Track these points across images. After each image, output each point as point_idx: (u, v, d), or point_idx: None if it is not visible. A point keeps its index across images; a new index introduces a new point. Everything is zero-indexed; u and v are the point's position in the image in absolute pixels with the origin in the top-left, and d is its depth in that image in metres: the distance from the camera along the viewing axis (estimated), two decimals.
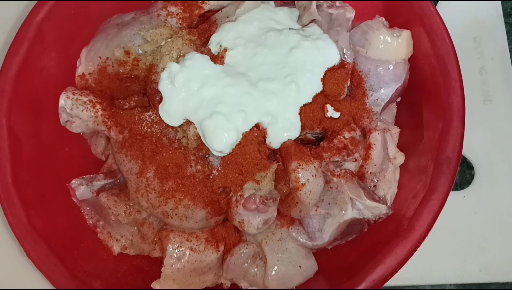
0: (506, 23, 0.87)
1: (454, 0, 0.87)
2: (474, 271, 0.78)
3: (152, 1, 0.79)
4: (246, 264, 0.71)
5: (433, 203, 0.66)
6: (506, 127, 0.83)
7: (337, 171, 0.70)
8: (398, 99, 0.78)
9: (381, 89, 0.73)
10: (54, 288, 0.67)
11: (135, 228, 0.74)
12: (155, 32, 0.73)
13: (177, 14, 0.75)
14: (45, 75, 0.74)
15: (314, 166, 0.67)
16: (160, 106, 0.69)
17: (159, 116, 0.70)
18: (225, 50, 0.71)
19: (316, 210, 0.70)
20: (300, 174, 0.66)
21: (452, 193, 0.67)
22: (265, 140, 0.69)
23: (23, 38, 0.72)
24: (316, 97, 0.69)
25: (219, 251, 0.70)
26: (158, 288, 0.69)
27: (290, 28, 0.73)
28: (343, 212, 0.69)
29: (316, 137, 0.72)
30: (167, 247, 0.69)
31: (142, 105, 0.75)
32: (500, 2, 0.88)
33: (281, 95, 0.68)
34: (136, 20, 0.75)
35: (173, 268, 0.69)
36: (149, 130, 0.70)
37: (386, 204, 0.71)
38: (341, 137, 0.69)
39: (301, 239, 0.70)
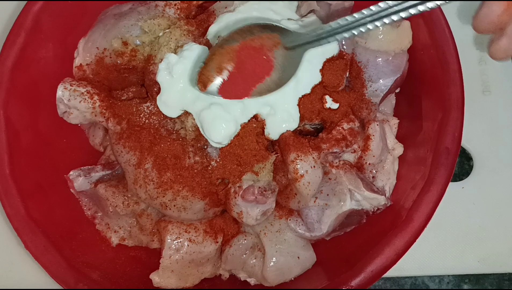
0: None
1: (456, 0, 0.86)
2: (472, 262, 0.78)
3: None
4: (244, 255, 0.71)
5: (432, 194, 0.66)
6: (505, 117, 0.83)
7: (336, 162, 0.70)
8: (397, 90, 0.78)
9: (380, 80, 0.73)
10: (52, 279, 0.67)
11: (134, 219, 0.74)
12: (153, 22, 0.73)
13: (175, 5, 0.75)
14: (43, 66, 0.73)
15: (313, 157, 0.67)
16: (158, 97, 0.69)
17: (157, 107, 0.70)
18: None
19: (314, 201, 0.70)
20: (298, 165, 0.66)
21: (450, 184, 0.67)
22: (263, 131, 0.68)
23: (20, 28, 0.71)
24: (314, 88, 0.69)
25: (217, 242, 0.70)
26: (157, 279, 0.69)
27: (288, 19, 0.72)
28: (342, 203, 0.69)
29: (314, 128, 0.72)
30: (165, 238, 0.69)
31: (140, 96, 0.75)
32: None
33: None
34: (134, 11, 0.74)
35: (172, 259, 0.69)
36: (147, 121, 0.70)
37: (385, 195, 0.71)
38: (340, 128, 0.69)
39: (299, 230, 0.70)
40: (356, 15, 0.56)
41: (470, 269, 0.78)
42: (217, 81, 0.64)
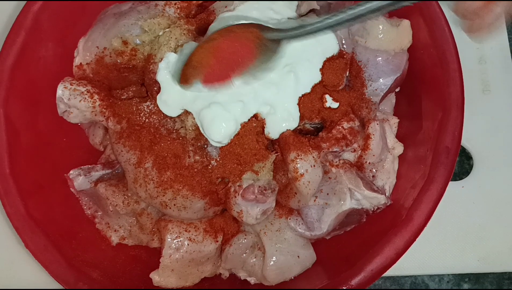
0: None
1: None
2: (472, 261, 0.78)
3: None
4: (244, 254, 0.71)
5: (432, 193, 0.66)
6: (505, 117, 0.83)
7: (336, 162, 0.70)
8: (397, 89, 0.78)
9: (380, 79, 0.73)
10: (52, 278, 0.67)
11: (134, 218, 0.74)
12: (153, 22, 0.73)
13: (175, 4, 0.75)
14: (43, 65, 0.73)
15: (313, 157, 0.67)
16: (158, 96, 0.69)
17: (157, 106, 0.70)
18: None
19: (314, 201, 0.70)
20: (298, 165, 0.66)
21: (450, 183, 0.67)
22: (263, 131, 0.68)
23: (20, 28, 0.71)
24: (314, 87, 0.69)
25: (217, 241, 0.70)
26: (157, 278, 0.69)
27: (288, 18, 0.72)
28: (342, 202, 0.69)
29: (314, 128, 0.72)
30: (165, 238, 0.69)
31: (140, 96, 0.75)
32: None
33: (279, 86, 0.67)
34: (133, 10, 0.74)
35: (172, 258, 0.69)
36: (147, 120, 0.70)
37: (385, 195, 0.71)
38: (340, 127, 0.69)
39: (299, 229, 0.70)
40: (340, 11, 0.58)
41: (470, 268, 0.78)
42: (200, 75, 0.64)
